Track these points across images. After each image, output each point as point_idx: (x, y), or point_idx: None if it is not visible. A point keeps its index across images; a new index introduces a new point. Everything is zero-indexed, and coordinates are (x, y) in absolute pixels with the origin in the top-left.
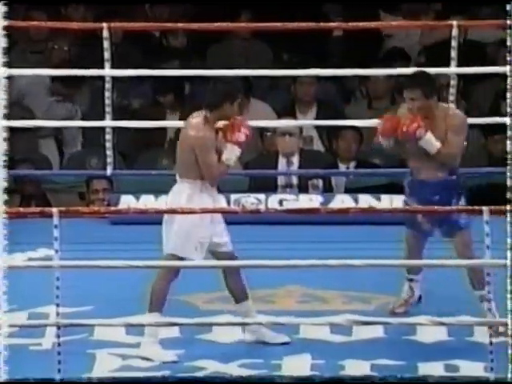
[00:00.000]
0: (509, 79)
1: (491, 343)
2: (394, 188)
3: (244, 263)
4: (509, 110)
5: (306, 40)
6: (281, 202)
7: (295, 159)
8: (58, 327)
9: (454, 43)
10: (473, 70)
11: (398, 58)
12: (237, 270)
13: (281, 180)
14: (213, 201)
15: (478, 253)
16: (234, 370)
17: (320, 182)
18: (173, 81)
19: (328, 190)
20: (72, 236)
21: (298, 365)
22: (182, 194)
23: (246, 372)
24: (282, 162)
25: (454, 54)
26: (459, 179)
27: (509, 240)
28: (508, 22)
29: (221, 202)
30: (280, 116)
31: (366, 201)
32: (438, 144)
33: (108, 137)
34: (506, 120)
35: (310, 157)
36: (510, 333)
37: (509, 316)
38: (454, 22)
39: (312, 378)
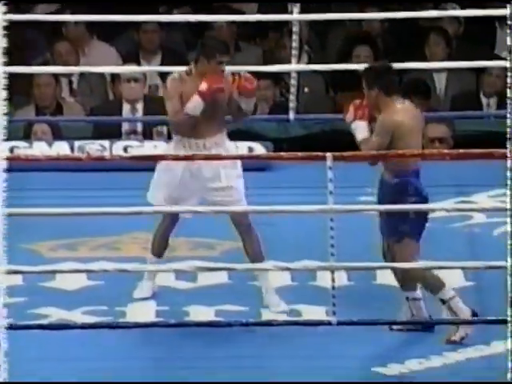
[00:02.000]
0: (509, 79)
1: (333, 288)
2: (238, 135)
3: (90, 211)
4: (509, 109)
5: None
6: (125, 149)
7: (139, 106)
8: None
9: None
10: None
11: None
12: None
13: (125, 127)
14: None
15: (321, 198)
16: (77, 316)
17: (164, 129)
18: None
19: (172, 136)
20: None
21: (143, 311)
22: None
23: (90, 319)
24: (126, 109)
25: None
26: (404, 184)
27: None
28: (508, 22)
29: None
30: (124, 62)
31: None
32: (359, 136)
33: None
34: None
35: (154, 103)
36: (509, 333)
37: (508, 313)
38: None
39: (157, 324)
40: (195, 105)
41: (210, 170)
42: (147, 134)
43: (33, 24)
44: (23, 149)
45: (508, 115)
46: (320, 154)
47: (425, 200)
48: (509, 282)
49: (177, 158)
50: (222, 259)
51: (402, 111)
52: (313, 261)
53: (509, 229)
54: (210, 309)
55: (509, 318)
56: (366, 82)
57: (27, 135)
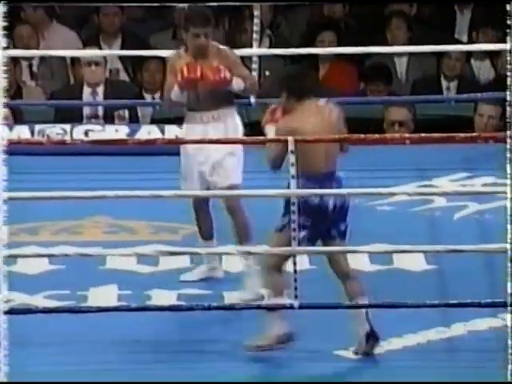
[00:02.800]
0: (509, 79)
1: (295, 271)
2: None
3: (49, 195)
4: (508, 108)
5: None
6: (86, 133)
7: (100, 89)
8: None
9: None
10: None
11: None
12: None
13: (86, 111)
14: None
15: (285, 182)
16: (39, 301)
17: (126, 113)
18: None
19: (134, 121)
20: None
21: (105, 295)
22: None
23: (52, 303)
24: (86, 93)
25: None
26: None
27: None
28: (508, 22)
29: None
30: (85, 46)
31: (172, 131)
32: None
33: None
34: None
35: (115, 87)
36: (509, 328)
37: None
38: None
39: (118, 308)
40: (174, 93)
41: (202, 152)
42: (108, 118)
43: None
44: None
45: (508, 105)
46: (281, 137)
47: (325, 208)
48: (509, 270)
49: (138, 143)
50: (184, 243)
51: (303, 117)
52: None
53: (509, 213)
54: (172, 292)
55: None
56: (279, 86)
57: None
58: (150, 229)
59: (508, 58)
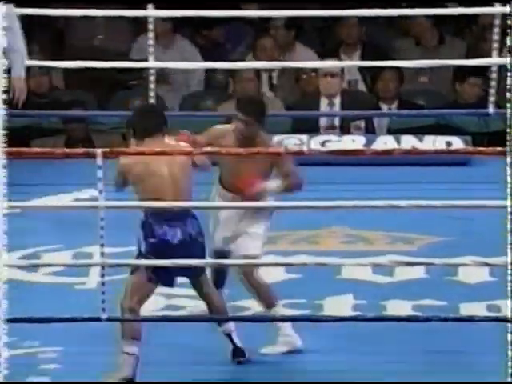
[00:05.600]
0: (509, 79)
1: None
2: (437, 129)
3: (288, 204)
4: (509, 107)
5: None
6: (323, 144)
7: (337, 100)
8: (103, 267)
9: None
10: None
11: None
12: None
13: (323, 122)
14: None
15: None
16: (277, 309)
17: (362, 123)
18: None
19: (370, 131)
20: None
21: (340, 305)
22: None
23: (288, 312)
24: (324, 104)
25: None
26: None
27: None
28: (508, 22)
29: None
30: (324, 57)
31: (408, 142)
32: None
33: None
34: None
35: (352, 98)
36: (510, 315)
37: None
38: None
39: (355, 318)
40: None
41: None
42: (345, 129)
43: (240, 20)
44: None
45: (508, 115)
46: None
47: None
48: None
49: (375, 153)
50: (419, 254)
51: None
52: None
53: (508, 226)
54: (407, 303)
55: (509, 314)
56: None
57: None
58: (386, 239)
59: (508, 59)
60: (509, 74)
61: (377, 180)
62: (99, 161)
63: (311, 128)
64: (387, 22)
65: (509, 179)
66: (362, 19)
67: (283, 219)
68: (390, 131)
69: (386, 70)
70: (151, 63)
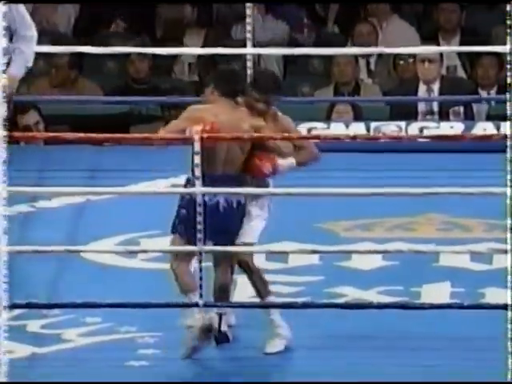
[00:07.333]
0: (508, 79)
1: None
2: None
3: (384, 191)
4: (509, 110)
5: None
6: (421, 130)
7: (436, 86)
8: (200, 253)
9: None
10: None
11: None
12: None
13: (421, 107)
14: None
15: None
16: (373, 296)
17: (461, 109)
18: None
19: (469, 117)
20: None
21: (438, 292)
22: None
23: (385, 299)
24: (422, 90)
25: None
26: None
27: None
28: (508, 22)
29: None
30: (424, 42)
31: (508, 128)
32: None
33: None
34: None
35: (450, 84)
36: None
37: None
38: None
39: (452, 305)
40: None
41: None
42: (443, 115)
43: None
44: (320, 129)
45: (508, 108)
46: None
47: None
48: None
49: (474, 138)
50: None
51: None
52: None
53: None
54: (505, 291)
55: (509, 302)
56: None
57: (329, 116)
58: (484, 226)
59: (508, 58)
60: (509, 73)
61: (474, 166)
62: (197, 146)
63: (409, 114)
64: (487, 7)
65: None
66: (462, 4)
67: (377, 205)
68: (489, 117)
69: (485, 55)
70: (249, 49)
